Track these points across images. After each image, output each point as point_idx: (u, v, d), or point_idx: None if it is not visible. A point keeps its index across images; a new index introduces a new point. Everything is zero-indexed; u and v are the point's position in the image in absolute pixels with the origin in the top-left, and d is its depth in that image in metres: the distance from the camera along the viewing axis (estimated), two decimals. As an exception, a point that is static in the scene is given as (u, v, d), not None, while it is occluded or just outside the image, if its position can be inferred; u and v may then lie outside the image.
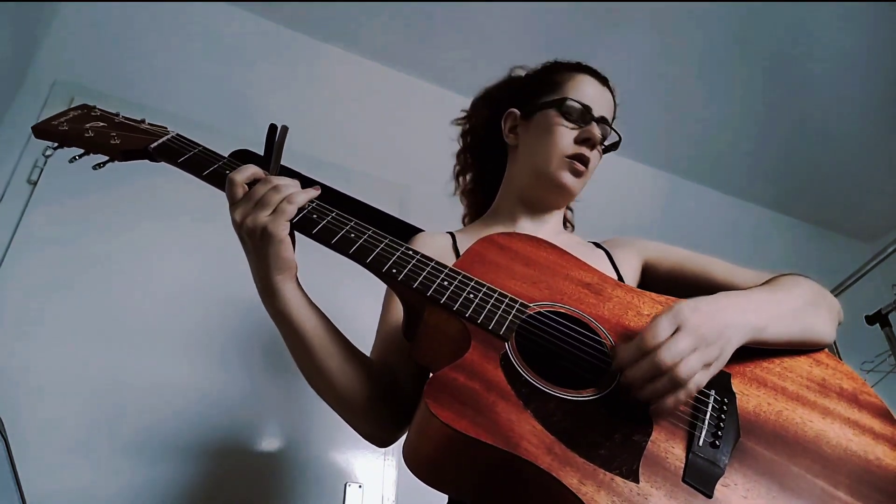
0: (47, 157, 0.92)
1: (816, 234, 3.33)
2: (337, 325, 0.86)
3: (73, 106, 0.98)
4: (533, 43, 2.35)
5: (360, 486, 1.58)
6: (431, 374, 0.68)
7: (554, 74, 1.11)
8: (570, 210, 1.27)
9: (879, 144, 2.82)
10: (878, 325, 2.23)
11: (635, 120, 2.70)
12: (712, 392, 0.72)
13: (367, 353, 0.95)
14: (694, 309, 0.68)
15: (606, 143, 1.10)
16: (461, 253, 1.04)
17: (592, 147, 1.05)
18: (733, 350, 0.71)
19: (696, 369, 0.65)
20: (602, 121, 1.07)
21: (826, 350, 0.84)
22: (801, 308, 0.81)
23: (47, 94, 1.79)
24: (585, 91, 1.07)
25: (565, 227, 1.25)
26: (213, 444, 1.49)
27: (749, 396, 0.74)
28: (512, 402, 0.66)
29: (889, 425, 0.75)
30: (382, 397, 0.88)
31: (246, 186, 0.79)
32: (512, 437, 0.62)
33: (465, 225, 1.23)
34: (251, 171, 0.80)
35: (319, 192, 0.82)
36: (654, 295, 0.85)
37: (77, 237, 1.60)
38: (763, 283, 0.87)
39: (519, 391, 0.67)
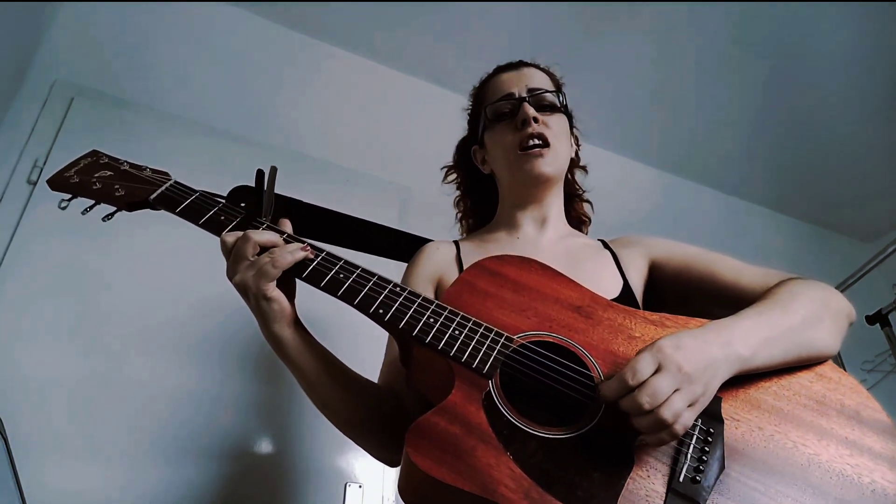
0: (63, 208, 0.97)
1: (816, 234, 3.30)
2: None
3: (82, 155, 1.03)
4: (533, 43, 2.29)
5: (360, 486, 1.59)
6: (413, 422, 0.70)
7: (477, 96, 1.19)
8: (587, 202, 1.26)
9: (879, 144, 2.78)
10: (878, 325, 2.23)
11: (635, 119, 2.68)
12: (698, 422, 0.71)
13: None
14: (676, 347, 0.67)
15: (546, 103, 1.10)
16: (464, 264, 1.06)
17: (530, 124, 1.05)
18: (718, 385, 0.70)
19: (680, 411, 0.65)
20: (531, 93, 1.08)
21: (830, 361, 0.82)
22: (799, 326, 0.78)
23: (47, 94, 1.76)
24: (498, 86, 1.12)
25: (576, 221, 1.23)
26: (213, 446, 1.49)
27: (739, 422, 0.73)
28: (492, 446, 0.68)
29: (891, 443, 0.73)
30: (389, 421, 0.91)
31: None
32: (489, 482, 0.65)
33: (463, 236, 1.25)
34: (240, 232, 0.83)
35: (307, 253, 0.82)
36: (646, 314, 0.85)
37: (77, 237, 1.56)
38: (760, 300, 0.84)
39: (500, 433, 0.69)
